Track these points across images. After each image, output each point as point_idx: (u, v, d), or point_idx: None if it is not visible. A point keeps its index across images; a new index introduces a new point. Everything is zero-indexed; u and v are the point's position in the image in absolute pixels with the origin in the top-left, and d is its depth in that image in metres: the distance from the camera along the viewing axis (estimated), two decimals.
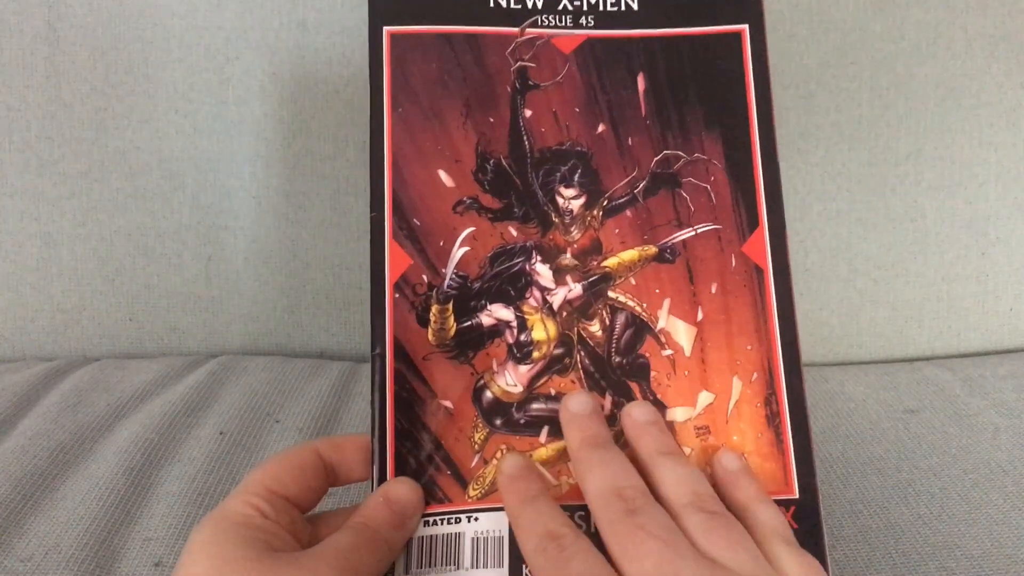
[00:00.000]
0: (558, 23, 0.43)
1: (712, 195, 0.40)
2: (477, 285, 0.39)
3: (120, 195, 0.64)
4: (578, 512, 0.36)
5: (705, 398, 0.38)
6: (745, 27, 0.43)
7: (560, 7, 0.43)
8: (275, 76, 0.63)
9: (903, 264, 0.65)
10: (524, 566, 0.34)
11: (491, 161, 0.41)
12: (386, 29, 0.42)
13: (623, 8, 0.43)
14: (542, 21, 0.43)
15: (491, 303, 0.39)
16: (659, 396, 0.38)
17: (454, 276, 0.39)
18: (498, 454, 0.37)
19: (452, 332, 0.39)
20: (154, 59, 0.63)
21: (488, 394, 0.38)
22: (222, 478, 0.48)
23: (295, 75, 0.63)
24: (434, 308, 0.39)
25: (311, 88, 0.63)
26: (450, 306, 0.39)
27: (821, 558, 0.35)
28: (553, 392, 0.38)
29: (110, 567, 0.42)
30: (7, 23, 0.62)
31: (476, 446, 0.38)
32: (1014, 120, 0.64)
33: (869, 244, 0.65)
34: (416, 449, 0.37)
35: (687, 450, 0.37)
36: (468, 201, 0.40)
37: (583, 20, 0.43)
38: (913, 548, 0.44)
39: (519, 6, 0.43)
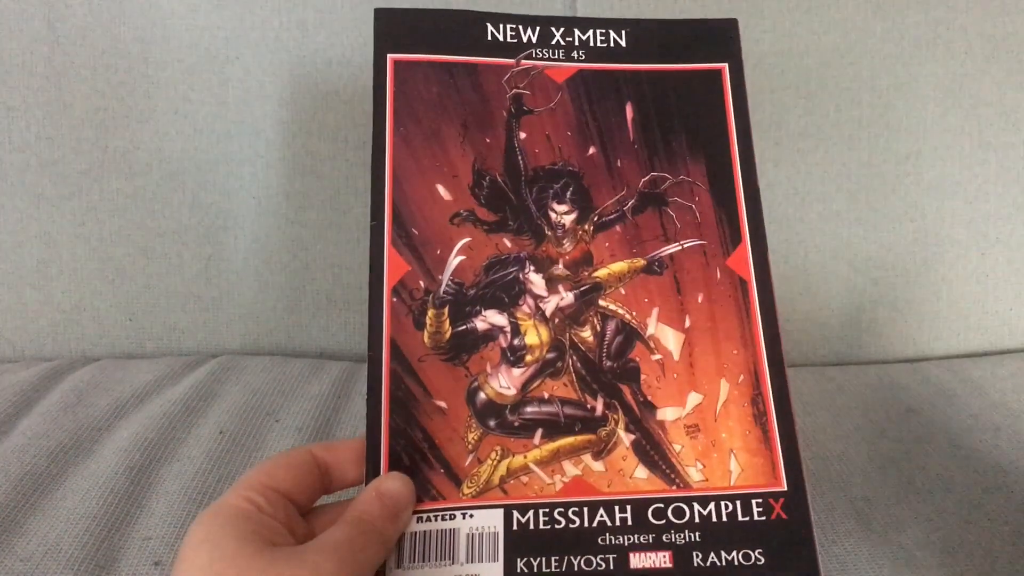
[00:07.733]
0: (551, 56, 0.46)
1: (697, 213, 0.43)
2: (472, 292, 0.41)
3: (120, 195, 0.64)
4: (572, 508, 0.37)
5: (694, 399, 0.40)
6: (725, 66, 0.47)
7: (553, 42, 0.47)
8: (275, 76, 0.63)
9: (903, 264, 0.65)
10: (519, 560, 0.35)
11: (487, 178, 0.43)
12: (390, 56, 0.45)
13: (611, 44, 0.47)
14: (536, 54, 0.46)
15: (485, 309, 0.41)
16: (649, 397, 0.40)
17: (450, 283, 0.41)
18: (492, 455, 0.39)
19: (447, 336, 0.41)
20: (154, 59, 0.63)
21: (482, 395, 0.40)
22: (222, 477, 0.48)
23: (295, 75, 0.63)
24: (430, 312, 0.41)
25: (311, 88, 0.63)
26: (446, 311, 0.41)
27: (810, 548, 0.36)
28: (546, 395, 0.40)
29: (110, 566, 0.42)
30: (7, 23, 0.62)
31: (470, 446, 0.39)
32: (1014, 120, 0.64)
33: (869, 244, 0.65)
34: (410, 447, 0.38)
35: (677, 447, 0.39)
36: (464, 213, 0.43)
37: (575, 54, 0.46)
38: (914, 547, 0.44)
39: (515, 39, 0.46)
